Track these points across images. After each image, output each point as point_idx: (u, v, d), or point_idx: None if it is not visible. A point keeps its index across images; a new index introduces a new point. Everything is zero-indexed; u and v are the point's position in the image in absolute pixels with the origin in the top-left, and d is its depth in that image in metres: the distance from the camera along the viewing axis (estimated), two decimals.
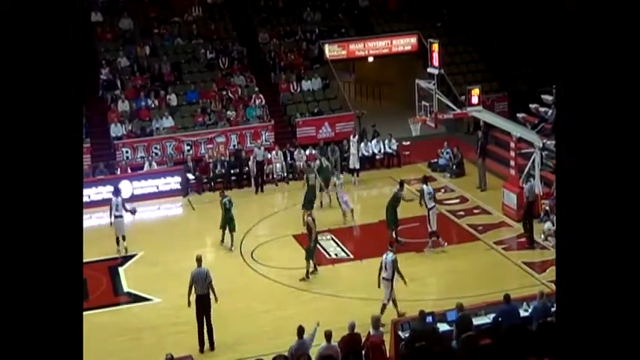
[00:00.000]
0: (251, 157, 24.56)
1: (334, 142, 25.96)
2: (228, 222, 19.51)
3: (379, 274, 15.09)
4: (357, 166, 24.70)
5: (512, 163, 21.62)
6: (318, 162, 23.08)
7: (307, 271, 17.41)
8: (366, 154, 25.95)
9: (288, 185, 24.83)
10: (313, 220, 17.67)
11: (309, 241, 17.53)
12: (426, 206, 18.54)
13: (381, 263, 15.05)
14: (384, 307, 14.76)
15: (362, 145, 26.07)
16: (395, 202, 18.75)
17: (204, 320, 14.42)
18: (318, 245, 19.08)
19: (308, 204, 19.90)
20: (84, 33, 27.80)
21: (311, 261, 17.43)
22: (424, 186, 18.93)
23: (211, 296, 14.49)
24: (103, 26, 29.87)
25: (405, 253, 18.58)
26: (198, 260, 14.73)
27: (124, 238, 19.48)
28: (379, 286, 15.10)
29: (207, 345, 14.51)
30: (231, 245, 19.43)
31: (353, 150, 24.76)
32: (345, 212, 20.89)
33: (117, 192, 20.43)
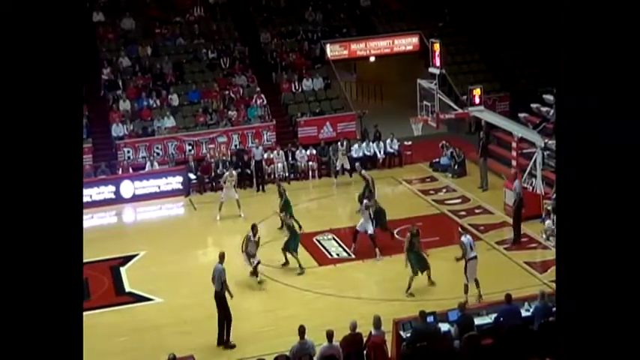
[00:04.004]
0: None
1: (335, 143, 25.95)
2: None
3: (465, 260, 15.52)
4: (347, 166, 24.70)
5: (513, 162, 21.61)
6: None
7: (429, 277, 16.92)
8: (367, 153, 25.95)
9: (289, 185, 24.81)
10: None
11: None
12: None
13: (465, 246, 15.52)
14: (466, 287, 15.52)
15: (364, 144, 26.10)
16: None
17: (221, 315, 14.57)
18: (320, 245, 19.13)
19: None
20: (86, 33, 27.88)
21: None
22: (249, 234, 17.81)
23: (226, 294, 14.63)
24: (104, 26, 29.88)
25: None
26: (220, 256, 15.00)
27: None
28: (466, 271, 15.54)
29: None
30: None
31: (340, 154, 24.83)
32: None
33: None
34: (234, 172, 22.44)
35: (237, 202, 21.62)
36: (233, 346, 14.54)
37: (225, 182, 21.87)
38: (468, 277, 15.62)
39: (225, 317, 14.60)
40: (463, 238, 15.85)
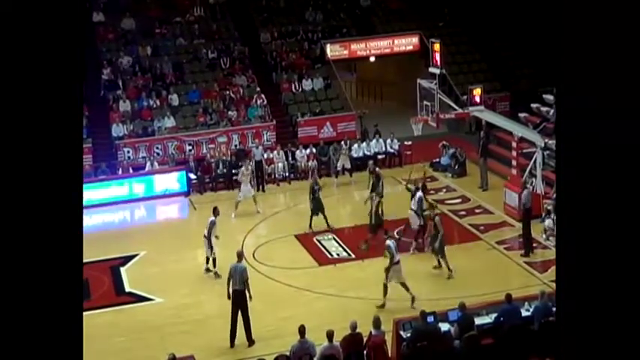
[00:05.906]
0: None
1: (338, 142, 25.91)
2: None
3: (391, 264, 15.46)
4: (348, 166, 24.70)
5: (514, 162, 21.60)
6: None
7: (448, 267, 17.02)
8: (367, 153, 25.94)
9: (289, 185, 24.83)
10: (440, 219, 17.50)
11: (434, 241, 17.27)
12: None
13: (392, 250, 15.45)
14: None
15: (364, 144, 26.11)
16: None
17: (240, 315, 14.43)
18: (320, 245, 19.13)
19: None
20: (86, 33, 27.87)
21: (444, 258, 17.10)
22: (211, 217, 17.94)
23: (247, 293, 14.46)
24: (104, 26, 29.89)
25: (406, 253, 18.60)
26: (239, 255, 14.89)
27: None
28: (388, 273, 15.51)
29: (243, 340, 14.57)
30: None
31: (341, 154, 24.86)
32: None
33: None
34: (249, 167, 22.51)
35: (253, 199, 21.73)
36: (253, 342, 14.52)
37: (241, 179, 22.04)
38: (391, 279, 15.51)
39: (243, 316, 14.46)
40: (389, 242, 15.64)
